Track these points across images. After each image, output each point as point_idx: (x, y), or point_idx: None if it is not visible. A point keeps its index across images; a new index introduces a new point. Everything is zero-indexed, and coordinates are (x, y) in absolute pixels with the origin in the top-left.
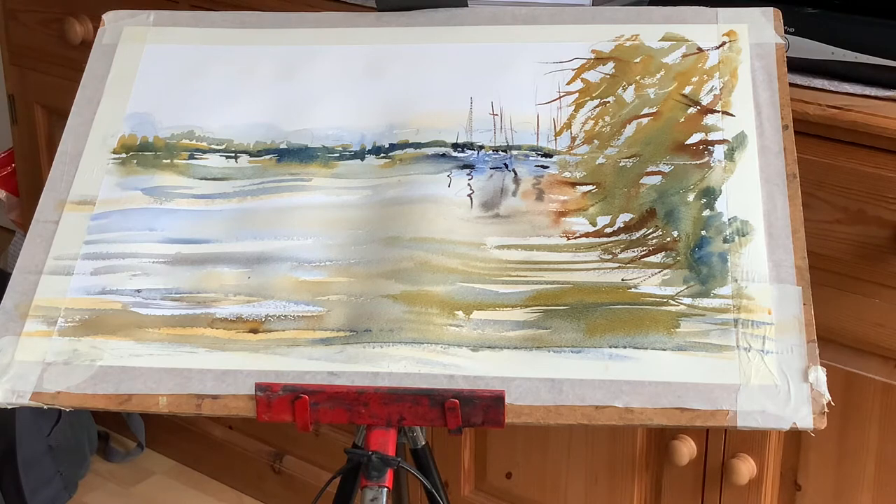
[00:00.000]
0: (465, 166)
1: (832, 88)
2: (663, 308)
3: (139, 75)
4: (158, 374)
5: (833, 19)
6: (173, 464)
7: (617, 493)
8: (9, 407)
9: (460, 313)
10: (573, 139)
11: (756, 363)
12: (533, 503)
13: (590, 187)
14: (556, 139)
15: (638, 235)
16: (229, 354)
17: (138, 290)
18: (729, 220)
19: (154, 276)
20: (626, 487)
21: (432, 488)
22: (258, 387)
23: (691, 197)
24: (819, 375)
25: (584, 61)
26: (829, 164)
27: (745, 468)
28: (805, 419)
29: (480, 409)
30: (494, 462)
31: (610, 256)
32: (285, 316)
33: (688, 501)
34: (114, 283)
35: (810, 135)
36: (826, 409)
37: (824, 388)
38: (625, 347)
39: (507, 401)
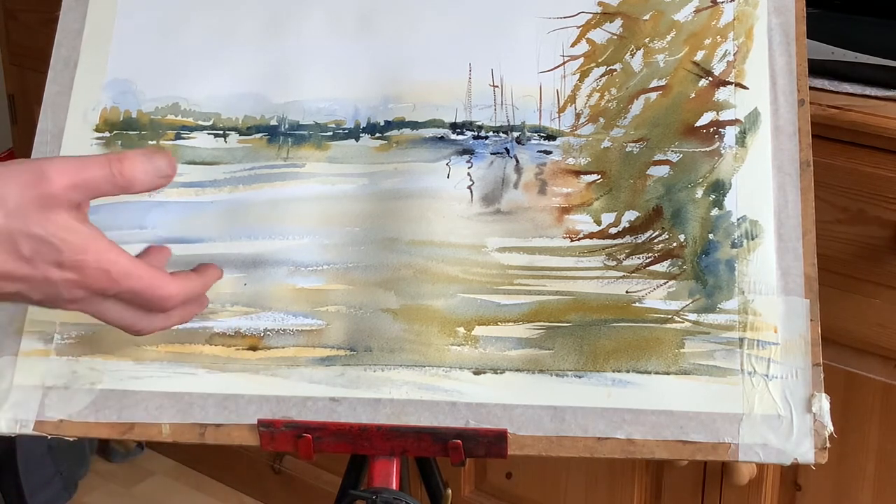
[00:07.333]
0: (464, 151)
1: (832, 88)
2: (668, 326)
3: (116, 29)
4: (159, 400)
5: (833, 19)
6: (173, 464)
7: (617, 493)
8: (11, 436)
9: (461, 330)
10: (577, 116)
11: (760, 390)
12: (533, 503)
13: (595, 176)
14: (559, 116)
15: (643, 238)
16: (230, 376)
17: None
18: (738, 220)
19: None
20: (626, 487)
21: (433, 488)
22: (261, 423)
23: (699, 193)
24: (823, 405)
25: (590, 16)
26: (829, 164)
27: (745, 468)
28: (807, 454)
29: (483, 445)
30: (494, 462)
31: (614, 263)
32: (284, 330)
33: (688, 502)
34: None
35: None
36: (828, 444)
37: (828, 420)
38: (628, 372)
39: (509, 431)
